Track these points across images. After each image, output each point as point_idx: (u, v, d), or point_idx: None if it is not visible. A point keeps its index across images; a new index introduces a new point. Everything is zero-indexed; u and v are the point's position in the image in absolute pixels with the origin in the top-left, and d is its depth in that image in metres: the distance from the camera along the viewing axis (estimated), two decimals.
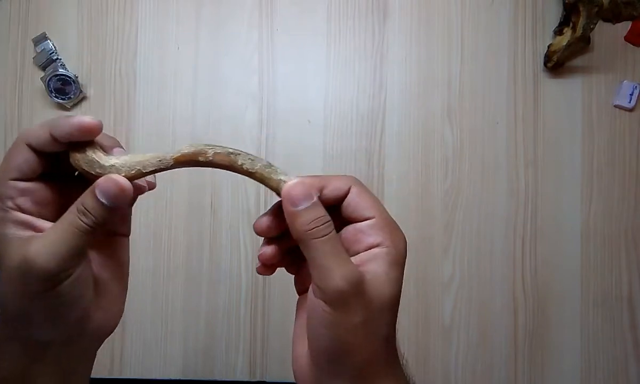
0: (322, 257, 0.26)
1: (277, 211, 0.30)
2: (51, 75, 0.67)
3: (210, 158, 0.28)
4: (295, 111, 0.70)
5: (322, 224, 0.26)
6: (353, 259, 0.27)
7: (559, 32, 0.69)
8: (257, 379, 0.68)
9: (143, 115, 0.70)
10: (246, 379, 0.68)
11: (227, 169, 0.29)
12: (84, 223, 0.26)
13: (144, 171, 0.28)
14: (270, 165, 0.29)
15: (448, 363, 0.68)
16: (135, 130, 0.70)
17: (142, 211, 0.69)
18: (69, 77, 0.67)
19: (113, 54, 0.70)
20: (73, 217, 0.26)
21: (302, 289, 0.32)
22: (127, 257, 0.32)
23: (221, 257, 0.69)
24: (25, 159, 0.27)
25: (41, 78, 0.67)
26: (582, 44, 0.68)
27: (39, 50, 0.68)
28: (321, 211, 0.26)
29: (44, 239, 0.25)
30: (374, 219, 0.28)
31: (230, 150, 0.29)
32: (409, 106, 0.70)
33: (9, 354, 0.27)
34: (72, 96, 0.67)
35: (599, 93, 0.70)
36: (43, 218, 0.27)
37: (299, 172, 0.69)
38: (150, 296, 0.68)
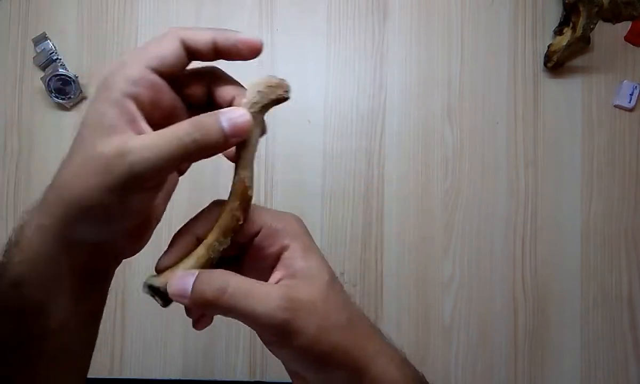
0: (245, 314, 0.26)
1: None
2: (51, 75, 0.67)
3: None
4: (295, 111, 0.70)
5: (220, 294, 0.26)
6: (270, 279, 0.28)
7: (559, 32, 0.69)
8: (257, 379, 0.68)
9: None
10: (246, 379, 0.68)
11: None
12: (195, 142, 0.24)
13: (266, 102, 0.28)
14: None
15: (448, 363, 0.68)
16: None
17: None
18: (69, 77, 0.67)
19: (113, 54, 0.70)
20: (186, 132, 0.24)
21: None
22: (172, 192, 0.33)
23: None
24: (173, 53, 0.25)
25: (41, 78, 0.67)
26: (582, 44, 0.68)
27: (38, 50, 0.68)
28: (204, 291, 0.26)
29: (149, 140, 0.24)
30: (262, 231, 0.29)
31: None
32: (409, 105, 0.70)
33: (46, 234, 0.25)
34: (72, 96, 0.67)
35: (599, 93, 0.70)
36: (147, 120, 0.25)
37: (299, 173, 0.68)
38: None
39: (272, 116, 0.74)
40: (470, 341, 0.68)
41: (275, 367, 0.67)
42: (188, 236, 0.32)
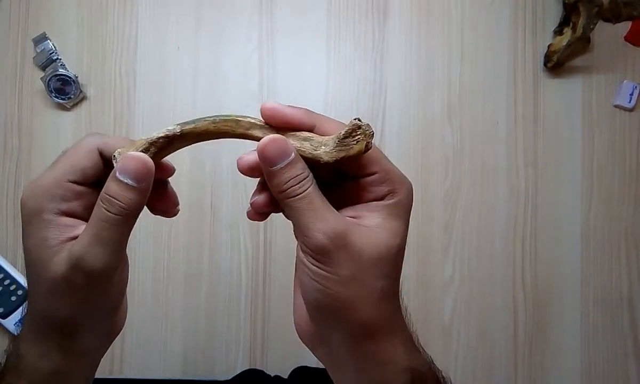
0: (299, 216, 0.25)
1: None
2: (51, 75, 0.67)
3: (213, 128, 0.28)
4: None
5: (298, 183, 0.25)
6: (350, 211, 0.27)
7: (559, 32, 0.69)
8: None
9: (143, 115, 0.70)
10: (240, 371, 0.68)
11: (224, 137, 0.28)
12: (110, 212, 0.25)
13: (152, 140, 0.27)
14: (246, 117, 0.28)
15: (448, 363, 0.68)
16: (135, 130, 0.70)
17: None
18: (69, 77, 0.67)
19: (113, 54, 0.70)
20: (98, 210, 0.25)
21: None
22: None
23: (221, 257, 0.69)
24: (93, 164, 0.26)
25: (41, 78, 0.67)
26: (582, 44, 0.68)
27: (39, 50, 0.68)
28: (298, 169, 0.25)
29: (82, 239, 0.25)
30: (376, 175, 0.27)
31: (215, 117, 0.29)
32: (409, 106, 0.70)
33: (47, 358, 0.27)
34: (72, 96, 0.67)
35: (599, 93, 0.70)
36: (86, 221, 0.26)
37: None
38: (151, 295, 0.68)
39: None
40: (470, 341, 0.68)
41: (275, 367, 0.67)
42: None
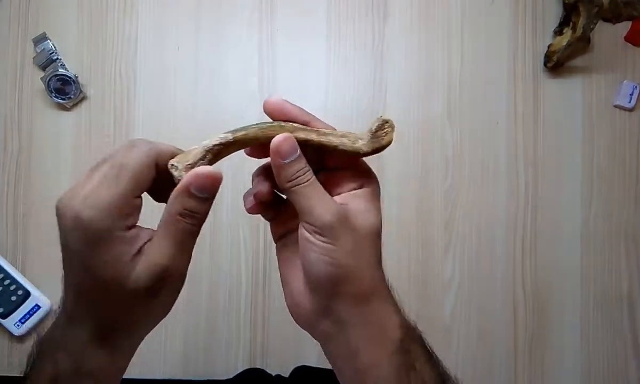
0: (307, 200, 0.29)
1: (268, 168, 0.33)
2: (51, 75, 0.67)
3: (261, 134, 0.30)
4: None
5: (304, 174, 0.30)
6: (336, 198, 0.31)
7: (559, 32, 0.69)
8: None
9: (143, 115, 0.70)
10: (241, 370, 0.68)
11: (268, 141, 0.30)
12: (193, 224, 0.28)
13: (208, 148, 0.29)
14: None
15: (448, 363, 0.67)
16: (135, 130, 0.70)
17: (141, 211, 0.69)
18: (69, 77, 0.67)
19: (113, 54, 0.70)
20: (180, 224, 0.28)
21: (278, 236, 0.35)
22: None
23: (221, 257, 0.69)
24: (152, 178, 0.28)
25: (41, 78, 0.67)
26: (582, 44, 0.68)
27: (39, 50, 0.68)
28: (303, 163, 0.30)
29: (164, 250, 0.27)
30: (351, 169, 0.33)
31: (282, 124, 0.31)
32: (409, 106, 0.70)
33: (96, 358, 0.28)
34: (72, 96, 0.67)
35: (599, 93, 0.70)
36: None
37: None
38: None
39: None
40: (470, 341, 0.68)
41: (275, 366, 0.67)
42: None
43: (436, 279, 0.69)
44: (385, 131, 0.32)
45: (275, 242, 0.35)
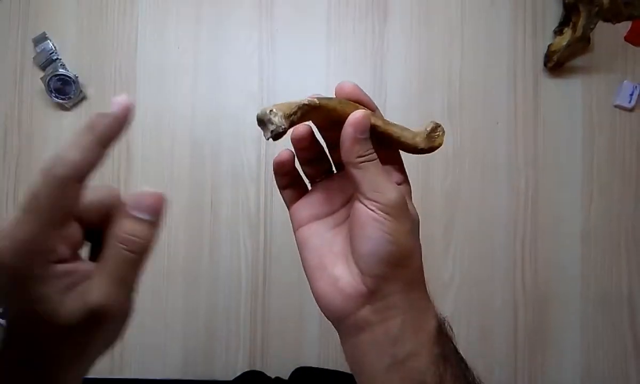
0: (375, 176, 0.30)
1: (311, 133, 0.33)
2: (51, 75, 0.67)
3: (339, 108, 0.31)
4: None
5: (373, 153, 0.30)
6: None
7: (559, 32, 0.69)
8: None
9: (143, 115, 0.70)
10: (241, 373, 0.68)
11: (341, 119, 0.31)
12: (134, 252, 0.25)
13: (300, 105, 0.28)
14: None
15: None
16: (136, 129, 0.70)
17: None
18: (69, 77, 0.67)
19: (113, 54, 0.70)
20: (120, 254, 0.25)
21: (305, 220, 0.34)
22: None
23: (221, 257, 0.69)
24: (71, 204, 0.24)
25: (41, 78, 0.67)
26: (582, 44, 0.68)
27: (39, 50, 0.68)
28: (371, 144, 0.31)
29: (100, 285, 0.24)
30: (397, 165, 0.34)
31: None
32: (409, 105, 0.70)
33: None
34: (72, 96, 0.67)
35: (599, 93, 0.70)
36: (76, 258, 0.25)
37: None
38: (150, 295, 0.68)
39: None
40: (470, 340, 0.68)
41: (275, 366, 0.67)
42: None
43: (436, 279, 0.69)
44: (437, 133, 0.34)
45: (298, 228, 0.34)
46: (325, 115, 0.31)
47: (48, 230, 0.23)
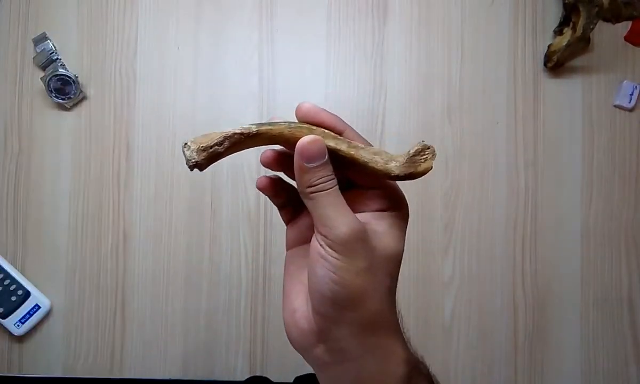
0: (325, 208, 0.27)
1: (284, 155, 0.31)
2: (51, 75, 0.67)
3: (287, 133, 0.28)
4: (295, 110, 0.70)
5: (328, 181, 0.27)
6: (358, 215, 0.28)
7: (558, 32, 0.69)
8: None
9: (143, 115, 0.70)
10: (246, 378, 0.68)
11: (292, 143, 0.28)
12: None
13: (228, 135, 0.27)
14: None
15: (448, 363, 0.68)
16: (135, 129, 0.70)
17: (141, 211, 0.69)
18: (69, 77, 0.67)
19: (113, 54, 0.70)
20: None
21: (291, 242, 0.33)
22: None
23: (221, 257, 0.69)
24: None
25: (41, 78, 0.67)
26: (582, 44, 0.68)
27: (39, 50, 0.68)
28: (328, 171, 0.27)
29: None
30: (382, 189, 0.30)
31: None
32: (409, 105, 0.70)
33: None
34: (72, 96, 0.67)
35: (599, 93, 0.70)
36: None
37: None
38: (151, 296, 0.68)
39: (272, 116, 0.75)
40: (470, 340, 0.68)
41: (275, 366, 0.67)
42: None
43: (436, 279, 0.69)
44: (424, 156, 0.30)
45: (287, 249, 0.33)
46: (273, 142, 0.28)
47: None
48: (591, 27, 0.66)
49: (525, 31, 0.71)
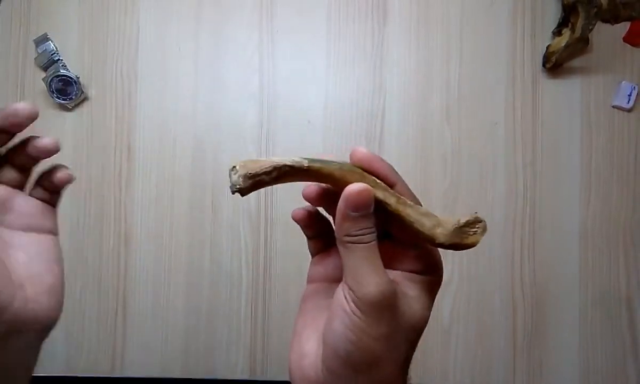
0: (358, 262, 0.25)
1: (329, 192, 0.29)
2: (53, 76, 0.67)
3: (337, 175, 0.27)
4: (295, 111, 0.70)
5: (368, 234, 0.26)
6: (389, 273, 0.27)
7: (557, 33, 0.70)
8: (258, 377, 0.68)
9: (144, 115, 0.70)
10: (247, 378, 0.68)
11: (340, 185, 0.27)
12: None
13: (278, 165, 0.26)
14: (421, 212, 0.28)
15: (447, 363, 0.68)
16: (136, 130, 0.70)
17: (142, 211, 0.69)
18: (71, 78, 0.67)
19: (114, 55, 0.70)
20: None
21: (315, 277, 0.32)
22: (57, 254, 0.32)
23: (221, 256, 0.69)
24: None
25: (43, 79, 0.68)
26: (580, 44, 0.68)
27: (40, 51, 0.69)
28: (370, 223, 0.26)
29: None
30: (422, 250, 0.28)
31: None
32: (408, 106, 0.71)
33: None
34: (73, 97, 0.68)
35: (597, 94, 0.70)
36: None
37: None
38: (151, 295, 0.68)
39: (272, 116, 0.75)
40: (468, 341, 0.69)
41: (276, 366, 0.68)
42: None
43: None
44: (474, 230, 0.28)
45: (308, 283, 0.32)
46: (319, 180, 0.27)
47: None
48: (590, 28, 0.66)
49: (524, 32, 0.71)
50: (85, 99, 0.70)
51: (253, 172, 0.25)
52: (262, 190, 0.69)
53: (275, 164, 0.26)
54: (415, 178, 0.69)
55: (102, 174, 0.69)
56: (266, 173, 0.26)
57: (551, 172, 0.70)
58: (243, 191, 0.26)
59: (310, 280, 0.32)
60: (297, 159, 0.26)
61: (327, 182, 0.27)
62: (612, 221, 0.69)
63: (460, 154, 0.70)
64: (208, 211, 0.69)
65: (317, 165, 0.26)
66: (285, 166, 0.26)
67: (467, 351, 0.69)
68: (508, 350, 0.69)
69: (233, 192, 0.26)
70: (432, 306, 0.28)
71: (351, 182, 0.26)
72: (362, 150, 0.28)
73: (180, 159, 0.70)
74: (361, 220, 0.25)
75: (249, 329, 0.68)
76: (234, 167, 0.26)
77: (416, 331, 0.27)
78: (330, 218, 0.30)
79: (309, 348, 0.28)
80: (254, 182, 0.26)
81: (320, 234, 0.31)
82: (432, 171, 0.70)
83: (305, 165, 0.26)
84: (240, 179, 0.26)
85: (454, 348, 0.68)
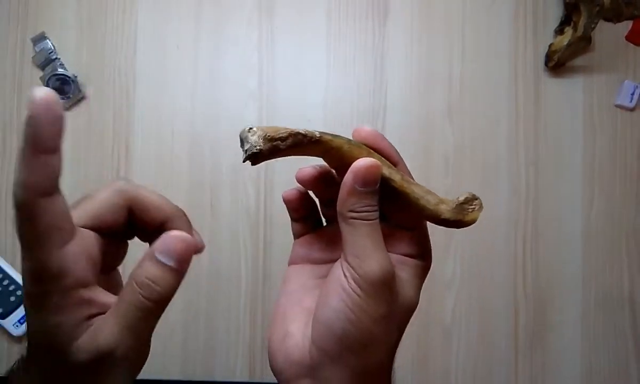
0: (362, 239, 0.25)
1: (326, 172, 0.29)
2: (50, 74, 0.67)
3: (346, 148, 0.26)
4: (295, 109, 0.70)
5: (372, 211, 0.25)
6: None
7: (559, 31, 0.69)
8: (257, 380, 0.68)
9: (142, 114, 0.70)
10: (246, 379, 0.67)
11: (346, 161, 0.26)
12: (151, 301, 0.23)
13: (293, 132, 0.25)
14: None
15: (448, 363, 0.68)
16: (135, 129, 0.69)
17: None
18: (68, 77, 0.67)
19: (112, 54, 0.70)
20: (135, 298, 0.22)
21: (297, 259, 0.31)
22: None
23: (221, 257, 0.68)
24: (113, 223, 0.24)
25: (40, 77, 0.67)
26: (583, 43, 0.67)
27: (38, 50, 0.68)
28: (375, 200, 0.26)
29: (112, 328, 0.22)
30: (415, 231, 0.29)
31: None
32: (410, 105, 0.70)
33: None
34: (71, 96, 0.67)
35: (600, 93, 0.70)
36: (95, 283, 0.23)
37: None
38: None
39: (272, 115, 0.74)
40: (470, 340, 0.68)
41: None
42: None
43: (437, 279, 0.68)
44: (472, 206, 0.29)
45: (290, 264, 0.31)
46: (327, 153, 0.26)
47: (53, 252, 0.21)
48: (592, 26, 0.66)
49: (526, 31, 0.71)
50: (83, 98, 0.69)
51: (271, 135, 0.24)
52: (262, 187, 0.68)
53: (290, 130, 0.25)
54: (416, 177, 0.68)
55: (100, 173, 0.69)
56: (282, 139, 0.25)
57: (553, 171, 0.70)
58: (259, 156, 0.24)
59: (292, 261, 0.31)
60: (309, 129, 0.26)
61: (332, 156, 0.26)
62: (615, 220, 0.69)
63: (462, 154, 0.70)
64: (207, 210, 0.69)
65: (328, 137, 0.26)
66: (299, 133, 0.25)
67: (468, 351, 0.68)
68: (510, 351, 0.68)
69: (245, 160, 0.25)
70: (420, 292, 0.28)
71: (358, 158, 0.26)
72: (367, 128, 0.27)
73: (178, 158, 0.69)
74: (367, 196, 0.25)
75: (248, 330, 0.68)
76: (251, 128, 0.24)
77: (407, 314, 0.27)
78: (317, 201, 0.30)
79: (294, 328, 0.27)
80: (272, 147, 0.24)
81: (306, 217, 0.31)
82: (434, 171, 0.69)
83: (317, 135, 0.25)
84: (261, 140, 0.24)
85: (455, 347, 0.68)
